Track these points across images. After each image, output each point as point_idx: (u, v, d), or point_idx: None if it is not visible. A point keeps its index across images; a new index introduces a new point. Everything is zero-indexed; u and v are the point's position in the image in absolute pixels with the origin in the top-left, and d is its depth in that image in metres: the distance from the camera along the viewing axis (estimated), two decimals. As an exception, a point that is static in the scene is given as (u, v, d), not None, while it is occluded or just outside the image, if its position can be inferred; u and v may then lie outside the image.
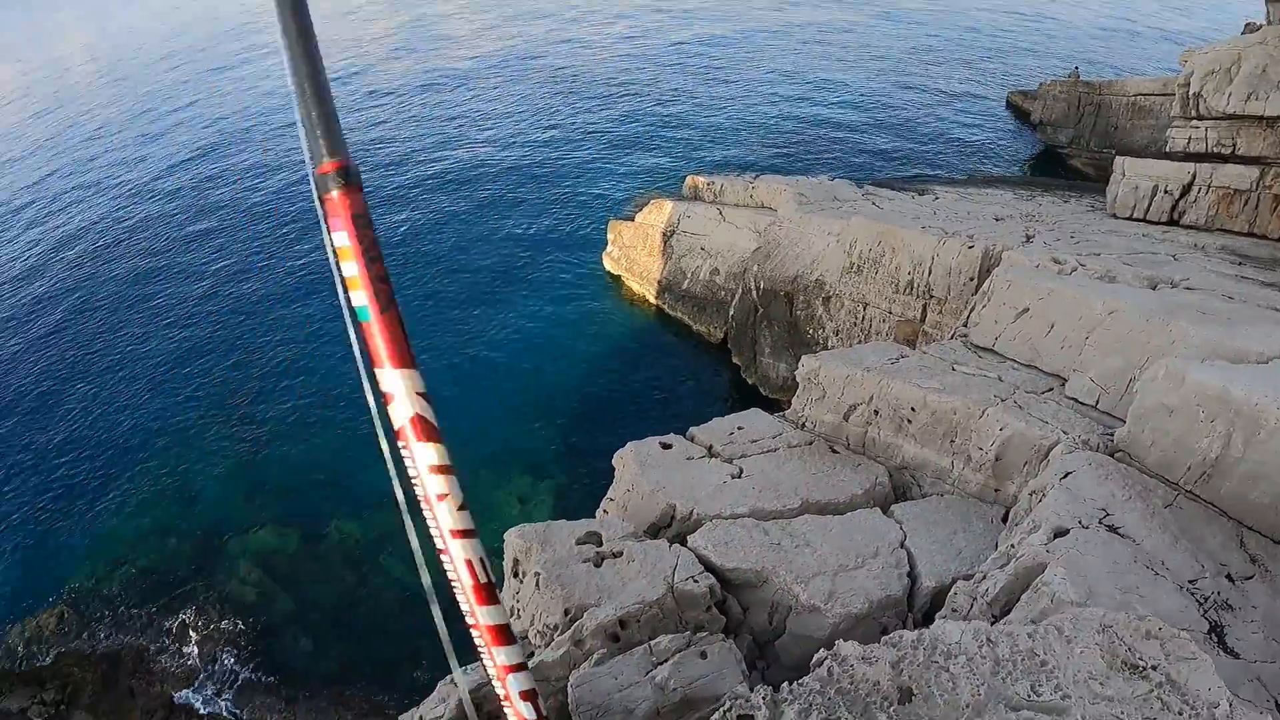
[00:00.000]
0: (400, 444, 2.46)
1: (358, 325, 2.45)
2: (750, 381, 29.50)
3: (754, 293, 28.73)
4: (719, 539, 12.23)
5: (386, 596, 25.38)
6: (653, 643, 10.06)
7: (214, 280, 44.10)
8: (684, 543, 12.31)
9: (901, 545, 12.32)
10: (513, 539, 12.61)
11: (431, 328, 35.88)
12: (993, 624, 6.79)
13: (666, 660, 9.74)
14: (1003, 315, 16.64)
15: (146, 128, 75.19)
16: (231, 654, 25.18)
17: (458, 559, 2.52)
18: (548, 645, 11.07)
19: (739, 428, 15.72)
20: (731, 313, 30.51)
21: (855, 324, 25.41)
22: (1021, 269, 18.37)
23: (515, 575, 12.63)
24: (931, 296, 22.95)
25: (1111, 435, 12.21)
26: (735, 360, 30.41)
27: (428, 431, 2.44)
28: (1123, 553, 9.31)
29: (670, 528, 13.31)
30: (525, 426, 29.63)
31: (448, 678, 11.65)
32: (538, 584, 11.76)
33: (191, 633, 25.96)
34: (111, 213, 56.97)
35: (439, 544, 2.52)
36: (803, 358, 16.93)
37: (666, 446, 15.08)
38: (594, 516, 14.00)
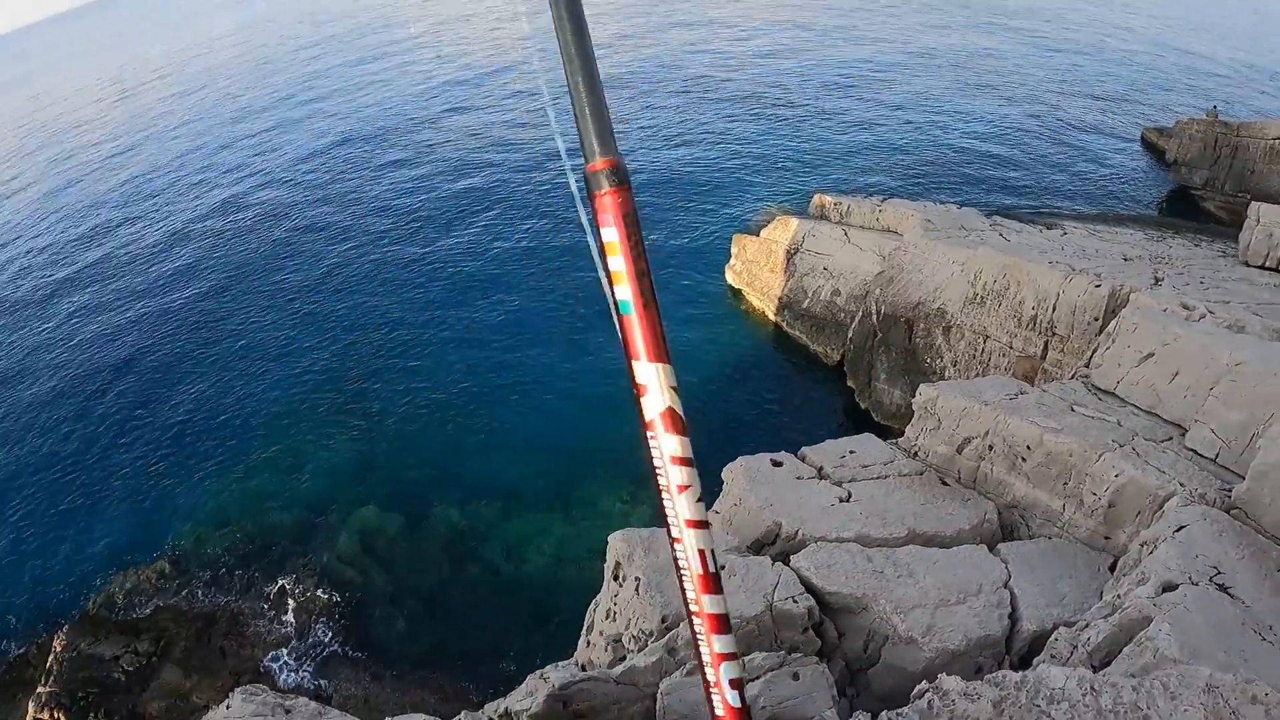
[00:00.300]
0: (649, 434, 2.52)
1: (619, 318, 2.51)
2: (864, 406, 29.19)
3: (874, 317, 28.43)
4: (822, 561, 12.10)
5: (481, 587, 25.62)
6: (746, 659, 9.96)
7: (337, 264, 45.42)
8: (786, 562, 12.19)
9: (1005, 585, 12.05)
10: (616, 542, 12.61)
11: (549, 325, 36.25)
12: (1094, 674, 6.60)
13: (758, 678, 9.63)
14: (1126, 358, 16.23)
15: (286, 114, 77.41)
16: (323, 626, 25.62)
17: (691, 548, 2.57)
18: (641, 650, 11.04)
19: (851, 451, 15.52)
20: (850, 335, 30.15)
21: (974, 356, 24.99)
22: (1148, 312, 17.87)
23: (615, 578, 12.60)
24: (1054, 334, 22.45)
25: (1230, 491, 11.84)
26: (850, 383, 30.10)
27: (676, 424, 2.51)
28: (1231, 614, 9.00)
29: (774, 545, 13.21)
30: (636, 430, 29.50)
31: (537, 672, 11.70)
32: (637, 589, 11.73)
33: (287, 601, 26.46)
34: (246, 194, 59.12)
35: (674, 533, 2.58)
36: (921, 386, 16.70)
37: (777, 464, 14.96)
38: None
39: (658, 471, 2.54)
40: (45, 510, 32.75)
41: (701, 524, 2.56)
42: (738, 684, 2.69)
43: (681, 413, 2.52)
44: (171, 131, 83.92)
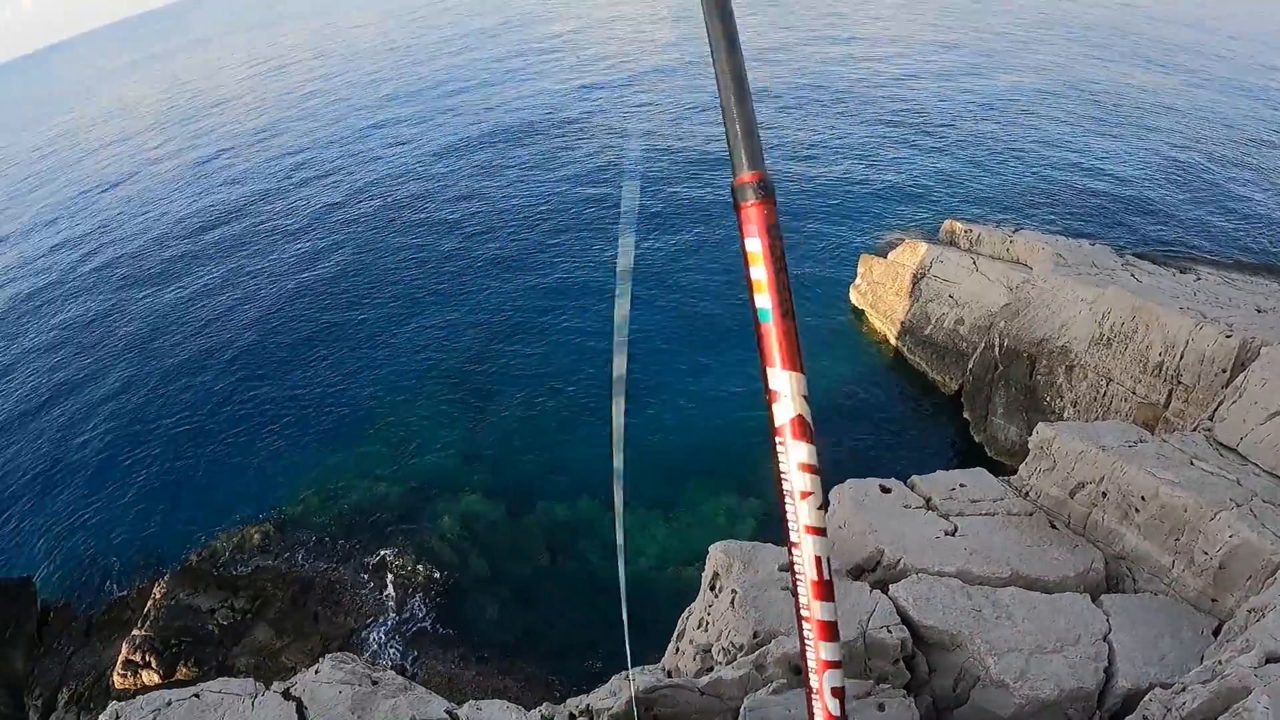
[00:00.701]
0: (778, 440, 2.58)
1: (757, 325, 2.57)
2: (977, 439, 28.57)
3: (996, 349, 27.89)
4: (921, 593, 11.93)
5: (576, 583, 25.75)
6: (833, 684, 9.83)
7: (464, 253, 46.30)
8: (885, 590, 12.06)
9: (1104, 638, 11.72)
10: (717, 553, 12.61)
11: (675, 330, 36.36)
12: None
13: (844, 702, 9.50)
14: (1252, 415, 15.66)
15: (426, 106, 78.85)
16: (417, 603, 26.03)
17: (808, 553, 2.62)
18: (729, 663, 10.99)
19: (961, 484, 15.26)
20: (970, 366, 29.52)
21: (1095, 398, 24.37)
22: None
23: (712, 588, 12.61)
24: (1179, 382, 21.75)
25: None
26: (966, 415, 29.46)
27: (805, 432, 2.56)
28: (1338, 692, 8.63)
29: (874, 572, 13.06)
30: (744, 441, 29.58)
31: (623, 673, 11.71)
32: (732, 602, 11.72)
33: (385, 575, 26.95)
34: (380, 181, 60.65)
35: (793, 538, 2.63)
36: (1038, 425, 16.33)
37: (886, 490, 14.80)
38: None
39: (783, 477, 2.58)
40: (166, 463, 33.99)
41: (820, 531, 2.61)
42: (839, 693, 2.73)
43: (810, 421, 2.57)
44: (314, 114, 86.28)
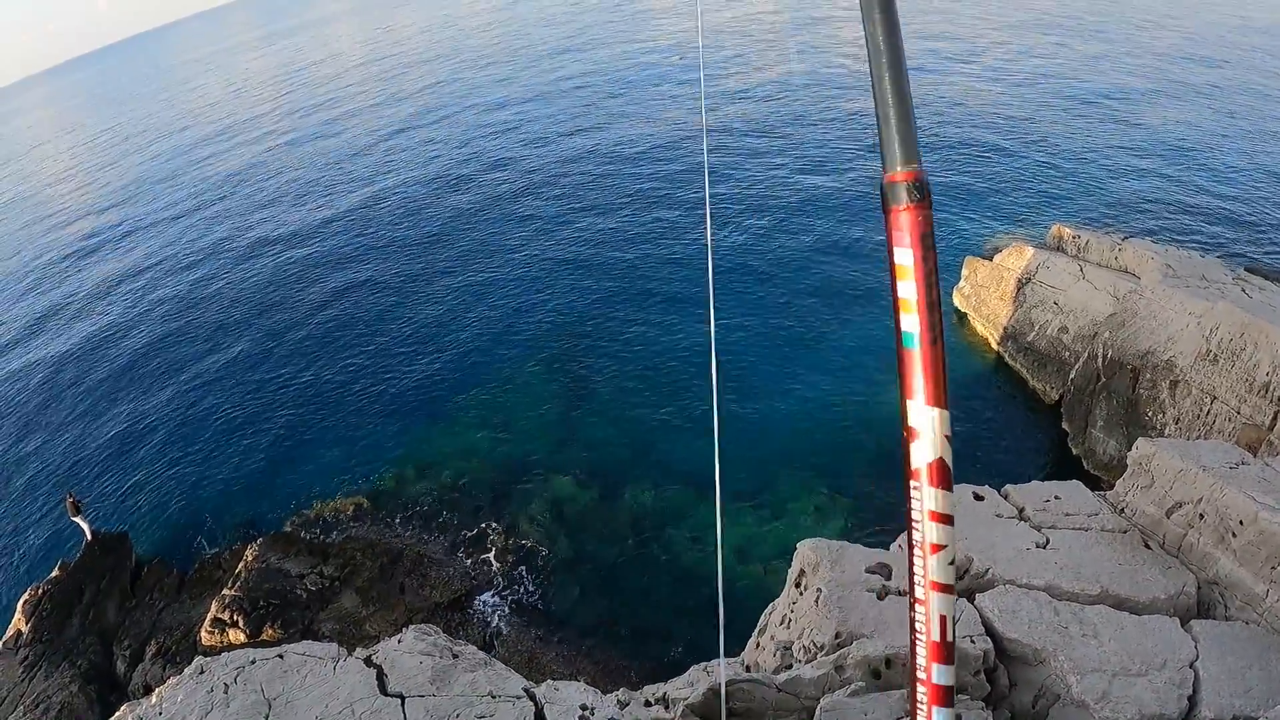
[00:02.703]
0: (913, 484, 2.34)
1: (900, 350, 2.33)
2: (1075, 452, 28.06)
3: (1099, 360, 27.35)
4: (1007, 605, 11.77)
5: (661, 570, 25.94)
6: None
7: (572, 241, 47.00)
8: (971, 599, 11.93)
9: (1191, 665, 11.39)
10: (805, 550, 12.57)
11: (779, 323, 36.28)
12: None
13: (920, 715, 9.46)
14: (1360, 443, 15.25)
15: (541, 94, 79.31)
16: (503, 581, 26.45)
17: (933, 612, 2.40)
18: (809, 662, 10.98)
19: (1056, 496, 14.98)
20: (1072, 376, 29.01)
21: (1198, 416, 23.81)
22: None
23: (797, 585, 12.58)
24: (1286, 404, 21.29)
25: None
26: (1065, 426, 28.94)
27: (944, 478, 2.31)
28: None
29: (962, 580, 12.92)
30: (837, 439, 29.57)
31: (702, 664, 11.76)
32: (817, 600, 11.68)
33: (473, 551, 27.42)
34: (497, 166, 61.28)
35: (918, 594, 2.42)
36: (1138, 440, 15.95)
37: (979, 498, 14.62)
38: (886, 548, 13.73)
39: (914, 525, 2.37)
40: (266, 430, 34.96)
41: (948, 588, 2.39)
42: None
43: (951, 465, 2.31)
44: (424, 102, 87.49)
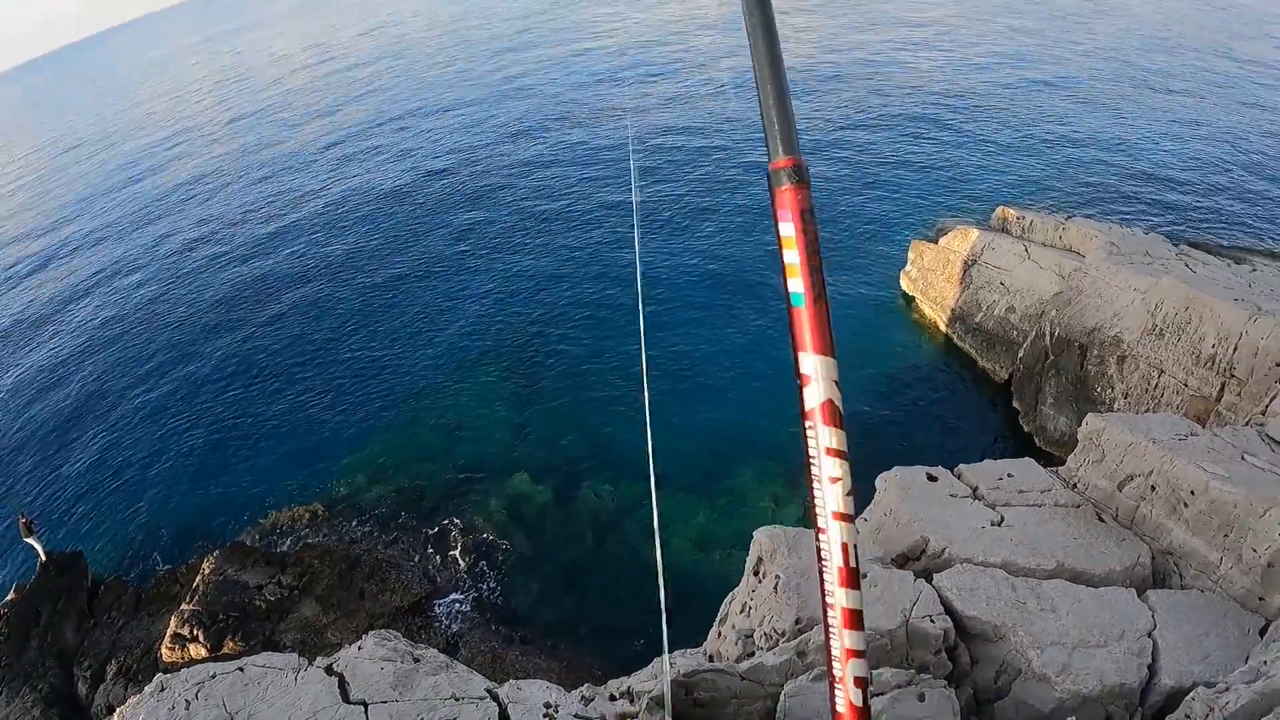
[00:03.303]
0: (808, 425, 2.56)
1: (790, 309, 2.57)
2: (1026, 429, 28.32)
3: (1047, 338, 27.64)
4: (965, 584, 11.85)
5: (621, 565, 25.90)
6: (874, 673, 9.82)
7: (512, 241, 46.82)
8: (929, 579, 11.99)
9: (1149, 634, 11.53)
10: (762, 538, 12.60)
11: (717, 317, 36.36)
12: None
13: (884, 694, 9.53)
14: (1307, 410, 15.45)
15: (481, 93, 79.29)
16: (462, 582, 26.39)
17: (835, 540, 2.59)
18: (771, 649, 10.99)
19: (1009, 474, 15.14)
20: (1020, 355, 29.33)
21: (1146, 390, 24.10)
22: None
23: (756, 573, 12.61)
24: (1232, 375, 21.46)
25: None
26: (1015, 404, 29.22)
27: (835, 417, 2.54)
28: (1383, 692, 8.51)
29: (919, 561, 13.01)
30: (791, 428, 29.44)
31: (664, 656, 11.75)
32: (776, 587, 11.71)
33: (431, 554, 27.30)
34: (430, 161, 61.31)
35: (820, 523, 2.61)
36: (1088, 416, 16.12)
37: (933, 479, 14.72)
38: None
39: (811, 462, 2.57)
40: (217, 441, 34.56)
41: (848, 518, 2.58)
42: (862, 683, 2.68)
43: (841, 406, 2.55)
44: (365, 107, 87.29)
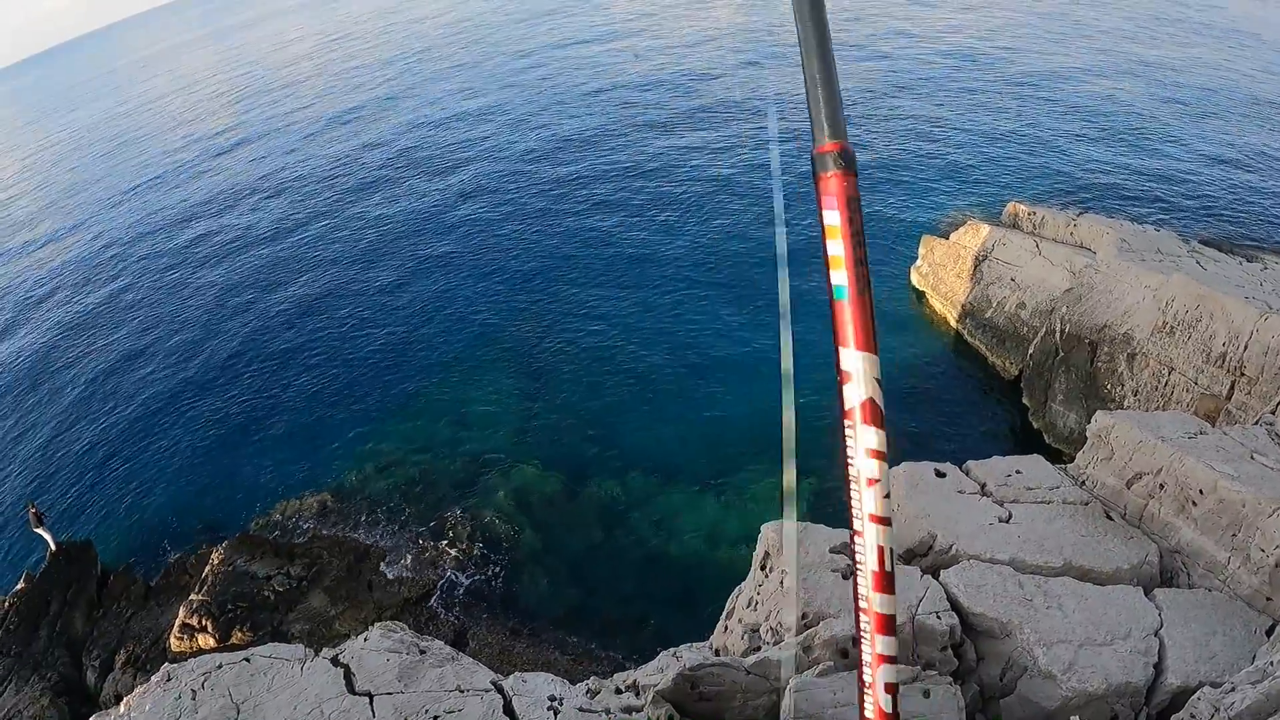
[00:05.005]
0: (847, 423, 2.50)
1: (832, 302, 2.49)
2: (1036, 426, 28.21)
3: (1057, 335, 27.54)
4: (972, 580, 11.82)
5: (629, 558, 25.92)
6: (878, 667, 9.78)
7: (524, 235, 46.54)
8: (936, 575, 11.97)
9: (1155, 633, 11.48)
10: (769, 533, 12.58)
11: (730, 310, 36.37)
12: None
13: (890, 691, 9.48)
14: (1317, 409, 15.39)
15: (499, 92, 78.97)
16: (471, 574, 26.32)
17: (870, 543, 2.54)
18: (777, 644, 11.00)
19: (1017, 471, 15.06)
20: (1030, 351, 29.16)
21: (1156, 387, 24.02)
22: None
23: (763, 568, 12.59)
24: (1242, 374, 21.38)
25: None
26: (1025, 401, 29.08)
27: (876, 416, 2.47)
28: (1389, 698, 8.47)
29: (926, 557, 12.97)
30: (802, 425, 29.19)
31: (671, 650, 11.75)
32: (782, 583, 11.69)
33: (440, 546, 27.26)
34: (438, 157, 61.26)
35: (856, 526, 2.56)
36: (1097, 413, 16.06)
37: (941, 474, 14.64)
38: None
39: (849, 462, 2.50)
40: (226, 432, 34.63)
41: (885, 520, 2.53)
42: (892, 689, 2.63)
43: (882, 405, 2.48)
44: (374, 94, 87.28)
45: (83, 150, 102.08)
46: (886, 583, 2.57)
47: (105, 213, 67.52)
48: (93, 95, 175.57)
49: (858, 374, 2.47)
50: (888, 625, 2.60)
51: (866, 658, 2.62)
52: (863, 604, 2.60)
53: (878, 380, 2.49)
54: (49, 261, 59.98)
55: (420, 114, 73.70)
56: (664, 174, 49.79)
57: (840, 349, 2.49)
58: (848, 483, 2.52)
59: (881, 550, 2.54)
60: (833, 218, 2.45)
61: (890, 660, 2.62)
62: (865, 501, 2.50)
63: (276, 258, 49.41)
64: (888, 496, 2.51)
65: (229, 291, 46.44)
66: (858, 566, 2.59)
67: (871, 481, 2.48)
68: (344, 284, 44.50)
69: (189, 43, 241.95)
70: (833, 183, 2.44)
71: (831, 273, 2.47)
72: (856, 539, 2.57)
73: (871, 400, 2.47)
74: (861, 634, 2.62)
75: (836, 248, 2.46)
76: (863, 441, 2.47)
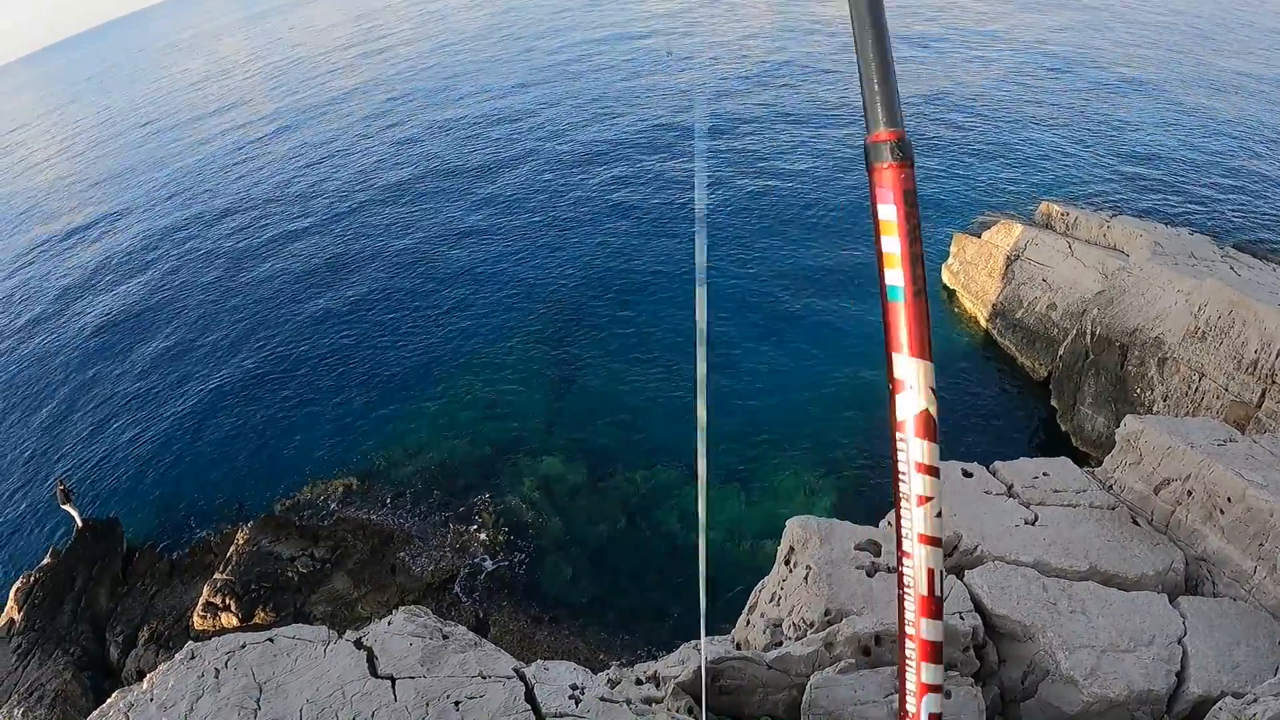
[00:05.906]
0: (898, 436, 2.35)
1: (885, 304, 2.39)
2: (1064, 428, 28.03)
3: (1088, 337, 27.35)
4: (996, 581, 11.78)
5: (652, 549, 25.96)
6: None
7: (558, 224, 46.73)
8: (960, 576, 11.94)
9: (1179, 641, 11.37)
10: (794, 527, 12.57)
11: (760, 304, 36.31)
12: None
13: (910, 689, 9.47)
14: (1349, 420, 15.27)
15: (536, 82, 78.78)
16: (494, 561, 26.42)
17: (919, 565, 2.39)
18: (799, 639, 10.99)
19: (1045, 473, 14.95)
20: (1060, 353, 28.99)
21: (1186, 393, 23.83)
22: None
23: (787, 563, 12.58)
24: (1274, 382, 21.16)
25: None
26: (1053, 403, 28.92)
27: (929, 429, 2.32)
28: None
29: (950, 557, 12.92)
30: (828, 419, 29.46)
31: (692, 642, 11.77)
32: (806, 578, 11.69)
33: (465, 531, 27.33)
34: (479, 140, 61.34)
35: (905, 546, 2.40)
36: (1127, 417, 15.95)
37: (967, 475, 14.59)
38: (876, 525, 13.72)
39: (900, 478, 2.36)
40: (254, 413, 34.86)
41: (935, 541, 2.39)
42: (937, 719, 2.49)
43: (936, 417, 2.33)
44: (409, 84, 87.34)
45: (120, 136, 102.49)
46: (935, 608, 2.42)
47: (147, 201, 67.82)
48: (125, 79, 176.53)
49: (912, 383, 2.31)
50: (934, 653, 2.46)
51: (910, 687, 2.48)
52: (909, 629, 2.45)
53: (933, 390, 2.33)
54: (86, 248, 60.43)
55: (468, 108, 73.52)
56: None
57: (893, 355, 2.34)
58: (897, 500, 2.38)
59: (931, 573, 2.39)
60: (888, 212, 2.35)
61: (936, 689, 2.49)
62: (915, 521, 2.36)
63: (312, 247, 49.60)
64: (939, 515, 2.37)
65: (259, 280, 46.70)
66: (904, 590, 2.44)
67: (923, 500, 2.34)
68: (376, 272, 44.72)
69: (223, 27, 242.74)
70: (888, 174, 2.33)
71: (886, 271, 2.36)
72: (905, 561, 2.41)
73: (926, 411, 2.30)
74: (906, 662, 2.47)
75: (892, 244, 2.35)
76: (914, 455, 2.33)
